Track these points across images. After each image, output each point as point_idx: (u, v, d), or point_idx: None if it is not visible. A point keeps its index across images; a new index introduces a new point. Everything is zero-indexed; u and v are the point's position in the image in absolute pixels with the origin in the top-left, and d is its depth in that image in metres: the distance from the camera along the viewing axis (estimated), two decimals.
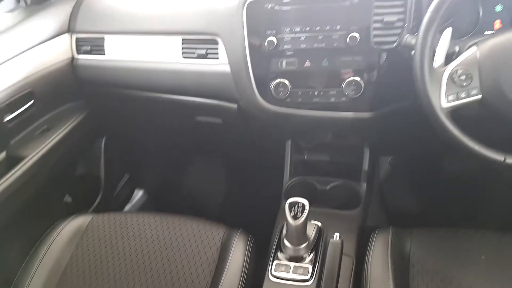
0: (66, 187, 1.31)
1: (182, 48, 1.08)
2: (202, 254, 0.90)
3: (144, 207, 1.63)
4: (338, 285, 0.83)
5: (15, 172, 1.01)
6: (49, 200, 1.22)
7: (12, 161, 1.04)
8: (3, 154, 1.04)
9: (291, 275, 0.87)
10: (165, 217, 0.99)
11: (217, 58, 1.05)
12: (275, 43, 0.94)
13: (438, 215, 1.40)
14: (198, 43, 1.06)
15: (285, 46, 0.95)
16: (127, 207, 1.60)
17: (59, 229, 0.98)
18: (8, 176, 1.00)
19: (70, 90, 1.21)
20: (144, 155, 1.69)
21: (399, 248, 0.85)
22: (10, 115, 1.03)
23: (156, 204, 1.67)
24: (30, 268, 0.91)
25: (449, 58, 0.78)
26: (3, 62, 1.02)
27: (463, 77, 0.73)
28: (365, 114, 0.97)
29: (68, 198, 1.31)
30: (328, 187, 1.13)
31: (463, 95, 0.73)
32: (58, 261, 0.92)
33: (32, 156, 1.06)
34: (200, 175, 1.75)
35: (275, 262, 0.90)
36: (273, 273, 0.88)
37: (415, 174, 1.52)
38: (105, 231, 0.97)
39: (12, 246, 1.09)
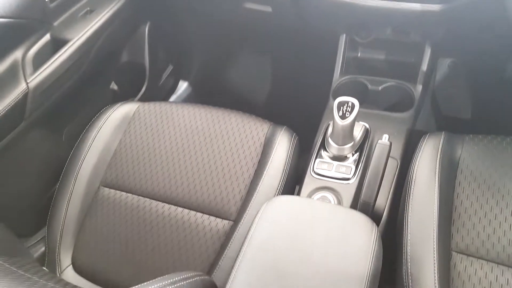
0: (111, 74, 1.31)
1: None
2: (246, 147, 0.91)
3: (188, 99, 1.64)
4: (381, 185, 0.82)
5: (60, 55, 1.01)
6: (95, 86, 1.24)
7: (57, 44, 1.04)
8: (47, 36, 1.03)
9: (333, 173, 0.87)
10: (210, 110, 0.99)
11: None
12: None
13: (493, 123, 1.32)
14: None
15: None
16: (172, 98, 1.62)
17: (107, 115, 1.00)
18: (53, 59, 1.00)
19: None
20: (188, 46, 1.64)
21: (449, 153, 0.82)
22: None
23: (201, 96, 1.67)
24: (82, 150, 0.96)
25: None
26: None
27: None
28: (435, 7, 0.86)
29: (114, 86, 1.33)
30: (380, 88, 1.07)
31: None
32: (107, 145, 0.96)
33: (76, 40, 1.05)
34: (246, 70, 1.70)
35: (318, 159, 0.89)
36: (315, 169, 0.88)
37: (475, 79, 1.41)
38: (151, 119, 0.98)
39: (61, 129, 1.14)
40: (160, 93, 1.51)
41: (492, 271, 0.68)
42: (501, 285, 0.66)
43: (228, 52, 1.68)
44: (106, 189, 0.91)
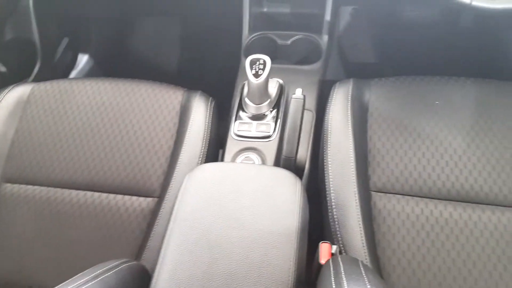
0: None
1: None
2: (161, 118, 0.86)
3: (91, 74, 1.51)
4: (300, 138, 0.84)
5: None
6: None
7: None
8: None
9: (254, 133, 0.87)
10: (116, 82, 0.91)
11: None
12: None
13: (396, 65, 1.41)
14: None
15: None
16: (72, 74, 1.48)
17: None
18: None
19: None
20: (84, 14, 1.49)
21: (358, 99, 0.85)
22: None
23: (105, 69, 1.55)
24: None
25: None
26: None
27: None
28: None
29: (1, 67, 1.17)
30: (289, 42, 1.07)
31: None
32: (2, 135, 0.86)
33: None
34: (151, 36, 1.60)
35: (237, 121, 0.88)
36: (236, 132, 0.87)
37: (376, 24, 1.47)
38: (50, 101, 0.89)
39: None
40: (57, 70, 1.37)
41: (408, 204, 0.73)
42: (417, 215, 0.72)
43: (129, 17, 1.56)
44: (9, 184, 0.82)
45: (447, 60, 1.32)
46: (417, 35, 1.39)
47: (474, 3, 0.71)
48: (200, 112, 0.86)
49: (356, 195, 0.73)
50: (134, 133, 0.84)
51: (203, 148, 0.82)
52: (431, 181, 0.75)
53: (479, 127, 0.79)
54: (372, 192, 0.76)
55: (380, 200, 0.74)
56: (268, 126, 0.87)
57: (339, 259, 0.52)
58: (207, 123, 0.85)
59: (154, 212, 0.77)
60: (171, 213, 0.60)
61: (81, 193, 0.80)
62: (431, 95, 0.84)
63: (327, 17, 1.08)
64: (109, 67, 1.55)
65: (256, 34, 1.10)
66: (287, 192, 0.61)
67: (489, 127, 0.79)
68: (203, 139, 0.83)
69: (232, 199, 0.60)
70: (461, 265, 0.67)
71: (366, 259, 0.66)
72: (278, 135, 0.86)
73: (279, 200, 0.60)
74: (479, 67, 1.26)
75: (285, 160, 0.79)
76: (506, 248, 0.68)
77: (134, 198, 0.79)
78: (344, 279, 0.44)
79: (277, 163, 0.83)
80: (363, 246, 0.67)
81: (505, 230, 0.69)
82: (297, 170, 0.81)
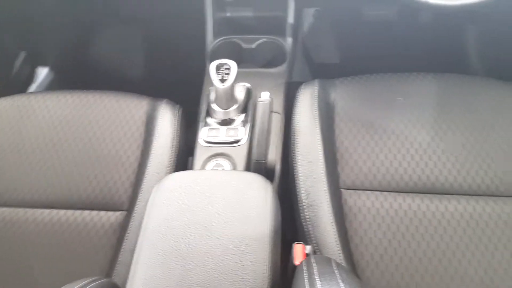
0: None
1: None
2: (127, 129, 0.84)
3: (52, 87, 1.46)
4: (270, 141, 0.84)
5: None
6: None
7: None
8: None
9: (223, 138, 0.86)
10: (78, 95, 0.89)
11: None
12: None
13: (361, 64, 1.43)
14: None
15: None
16: (31, 89, 1.42)
17: None
18: None
19: None
20: (42, 25, 1.44)
21: (324, 99, 0.86)
22: None
23: (66, 81, 1.50)
24: None
25: None
26: None
27: None
28: None
29: None
30: (254, 45, 1.07)
31: None
32: None
33: None
34: (113, 45, 1.56)
35: (206, 127, 0.87)
36: (205, 138, 0.86)
37: (338, 24, 1.50)
38: (8, 117, 0.85)
39: None
40: (14, 85, 1.32)
41: (377, 199, 0.75)
42: (386, 209, 0.73)
43: (88, 26, 1.52)
44: None
45: (408, 56, 1.36)
46: (378, 34, 1.42)
47: (432, 1, 0.73)
48: (166, 121, 0.85)
49: (327, 194, 0.73)
50: (98, 146, 0.82)
51: (171, 157, 0.81)
52: (398, 175, 0.76)
53: (442, 120, 0.82)
54: (342, 190, 0.77)
55: (350, 197, 0.75)
56: (237, 130, 0.86)
57: (313, 259, 0.52)
58: (174, 132, 0.84)
59: (124, 226, 0.75)
60: (140, 226, 0.59)
61: (46, 211, 0.77)
62: (394, 92, 0.86)
63: (290, 19, 1.09)
64: (71, 78, 1.51)
65: (220, 38, 1.09)
66: (258, 196, 0.61)
67: (451, 120, 0.81)
68: (171, 148, 0.82)
69: (202, 207, 0.59)
70: (431, 255, 0.69)
71: (340, 257, 0.67)
72: (247, 139, 0.86)
73: (250, 205, 0.59)
74: (439, 62, 1.30)
75: (255, 164, 0.79)
76: (472, 235, 0.70)
77: (102, 213, 0.77)
78: (317, 279, 0.44)
79: (247, 168, 0.83)
80: (337, 244, 0.68)
81: (471, 218, 0.71)
82: (268, 173, 0.81)
